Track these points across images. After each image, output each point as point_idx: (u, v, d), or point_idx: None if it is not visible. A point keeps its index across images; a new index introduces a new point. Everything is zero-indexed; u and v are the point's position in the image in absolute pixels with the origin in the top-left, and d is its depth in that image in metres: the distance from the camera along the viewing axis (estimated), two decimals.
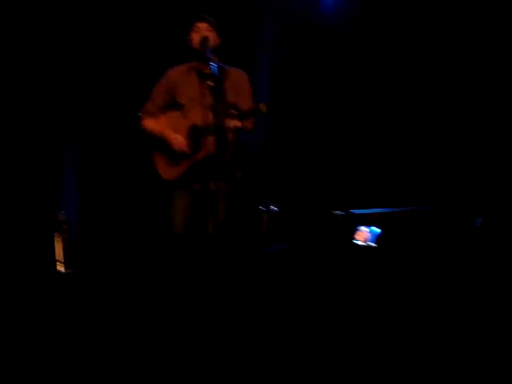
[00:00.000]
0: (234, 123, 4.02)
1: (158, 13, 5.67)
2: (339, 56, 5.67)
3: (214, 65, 3.95)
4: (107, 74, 5.65)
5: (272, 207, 5.03)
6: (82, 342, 3.60)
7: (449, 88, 5.33)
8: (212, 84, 3.94)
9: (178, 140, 4.15)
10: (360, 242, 4.56)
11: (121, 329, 3.78)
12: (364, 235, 4.58)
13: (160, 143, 4.23)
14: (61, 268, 4.54)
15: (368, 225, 4.55)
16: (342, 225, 4.55)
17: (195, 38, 4.20)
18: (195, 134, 4.13)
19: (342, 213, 4.69)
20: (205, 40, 4.10)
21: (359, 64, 5.62)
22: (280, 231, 5.00)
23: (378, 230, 4.49)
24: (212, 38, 4.17)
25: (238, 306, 3.76)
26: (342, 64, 5.67)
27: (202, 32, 4.19)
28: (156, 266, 4.16)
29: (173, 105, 4.30)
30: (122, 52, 5.67)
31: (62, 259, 4.58)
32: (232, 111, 4.04)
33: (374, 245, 4.49)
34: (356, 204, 4.93)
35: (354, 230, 4.62)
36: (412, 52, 5.47)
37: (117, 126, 5.56)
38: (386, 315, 3.91)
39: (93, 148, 5.64)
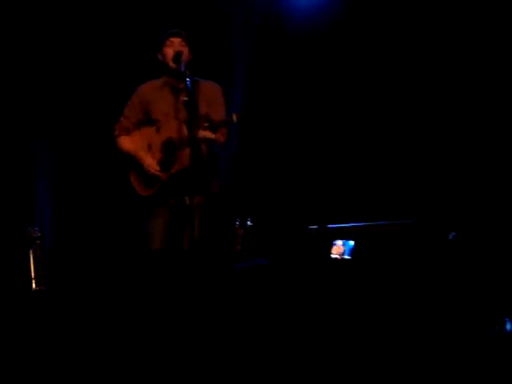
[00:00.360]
0: (206, 133, 4.01)
1: (130, 27, 5.65)
2: (314, 66, 5.67)
3: (188, 79, 3.95)
4: (81, 88, 5.62)
5: (247, 222, 5.02)
6: (53, 360, 3.56)
7: (433, 100, 5.32)
8: (186, 98, 3.95)
9: (150, 164, 4.14)
10: (335, 256, 4.57)
11: (93, 345, 3.74)
12: (339, 249, 4.59)
13: (135, 161, 4.22)
14: (33, 285, 4.49)
15: (344, 239, 4.56)
16: (317, 239, 4.55)
17: (168, 52, 4.21)
18: (170, 148, 4.13)
19: (317, 227, 4.68)
20: (179, 55, 4.10)
21: (335, 73, 5.62)
22: (255, 246, 5.00)
23: (352, 243, 4.50)
24: (185, 52, 4.18)
25: (215, 323, 3.75)
26: (317, 74, 5.67)
27: (176, 47, 4.20)
28: (132, 282, 4.13)
29: (147, 121, 4.29)
30: (96, 65, 5.64)
31: (34, 276, 4.52)
32: (205, 123, 4.05)
33: (348, 257, 4.50)
34: (332, 218, 4.92)
35: (330, 245, 4.62)
36: (394, 59, 5.48)
37: (92, 139, 5.53)
38: (362, 327, 3.92)
39: (67, 162, 5.60)
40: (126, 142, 4.28)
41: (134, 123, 4.29)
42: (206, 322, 3.57)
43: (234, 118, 4.03)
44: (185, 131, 3.95)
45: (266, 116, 4.17)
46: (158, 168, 4.12)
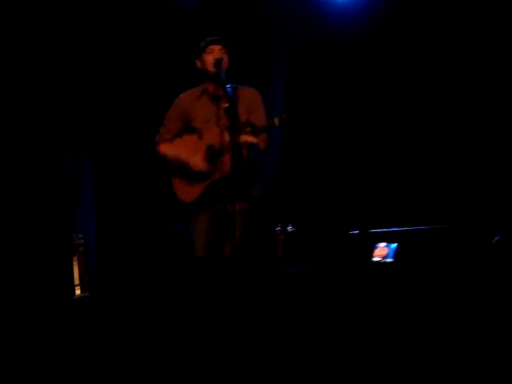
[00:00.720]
0: (248, 138, 4.04)
1: (169, 36, 5.67)
2: (356, 68, 5.64)
3: (228, 86, 3.98)
4: (122, 99, 5.66)
5: (288, 227, 5.00)
6: (96, 368, 3.58)
7: (470, 102, 5.27)
8: (227, 105, 3.97)
9: (196, 161, 4.17)
10: (377, 259, 4.52)
11: (136, 353, 3.76)
12: (382, 251, 4.54)
13: (177, 167, 4.26)
14: (78, 292, 4.54)
15: (385, 242, 4.51)
16: (358, 245, 4.52)
17: (208, 59, 4.24)
18: (212, 154, 4.16)
19: (358, 232, 4.65)
20: (219, 62, 4.13)
21: (374, 78, 5.59)
22: (296, 252, 4.98)
23: (395, 245, 4.45)
24: (225, 59, 4.21)
25: (257, 330, 3.74)
26: (359, 76, 5.64)
27: (216, 54, 4.23)
28: (175, 289, 4.15)
29: (187, 129, 4.33)
30: (137, 75, 5.69)
31: (79, 283, 4.58)
32: (247, 128, 4.07)
33: (391, 260, 4.45)
34: (373, 223, 4.89)
35: (372, 249, 4.58)
36: (426, 66, 5.44)
37: (133, 147, 5.58)
38: (407, 331, 3.87)
39: (110, 170, 5.65)
40: (169, 149, 4.34)
41: (175, 133, 4.35)
42: (249, 329, 3.57)
43: (276, 121, 4.04)
44: (226, 137, 3.98)
45: (307, 119, 4.15)
46: (206, 164, 4.14)
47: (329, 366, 3.38)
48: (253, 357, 3.34)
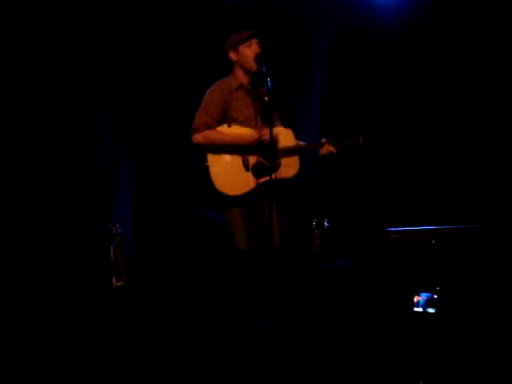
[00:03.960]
0: (331, 149, 4.09)
1: (205, 30, 5.66)
2: (394, 68, 5.60)
3: (268, 79, 3.97)
4: (157, 93, 5.67)
5: (324, 222, 4.98)
6: (131, 358, 3.60)
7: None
8: (267, 98, 3.97)
9: (256, 135, 4.13)
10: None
11: (172, 345, 3.77)
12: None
13: (223, 154, 4.18)
14: (114, 280, 4.57)
15: (423, 243, 4.46)
16: (396, 242, 4.48)
17: (248, 53, 4.22)
18: (270, 153, 4.02)
19: (395, 229, 4.61)
20: (261, 55, 4.12)
21: (416, 75, 5.54)
22: (332, 247, 4.96)
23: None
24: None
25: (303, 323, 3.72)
26: (397, 76, 5.60)
27: (255, 48, 4.21)
28: (215, 281, 4.15)
29: (226, 118, 4.29)
30: (174, 63, 5.69)
31: (114, 272, 4.61)
32: (323, 139, 4.11)
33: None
34: (410, 220, 4.85)
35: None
36: (475, 68, 5.38)
37: (170, 138, 5.58)
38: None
39: (147, 159, 5.67)
40: (219, 135, 4.24)
41: (217, 120, 4.27)
42: (295, 322, 3.56)
43: (361, 140, 4.07)
44: (292, 140, 3.97)
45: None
46: (266, 134, 4.08)
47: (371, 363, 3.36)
48: (295, 352, 3.33)
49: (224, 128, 4.24)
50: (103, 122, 5.50)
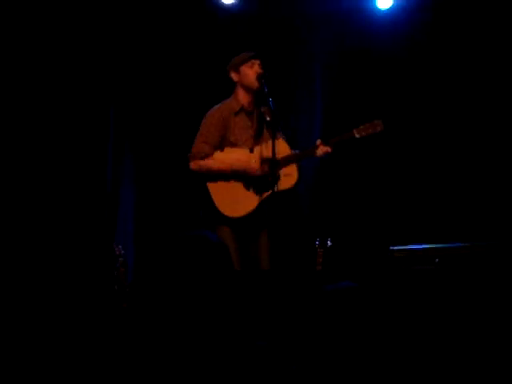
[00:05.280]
0: (327, 149, 4.07)
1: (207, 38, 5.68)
2: (395, 78, 5.62)
3: (270, 99, 3.99)
4: (161, 111, 5.67)
5: (327, 241, 4.97)
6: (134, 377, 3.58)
7: None
8: (269, 118, 3.99)
9: (255, 167, 4.14)
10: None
11: (171, 368, 3.74)
12: None
13: (224, 180, 4.20)
14: (117, 302, 4.56)
15: (426, 261, 4.45)
16: (399, 261, 4.47)
17: (250, 73, 4.26)
18: (271, 165, 4.06)
19: (399, 248, 4.60)
20: (263, 75, 4.14)
21: (420, 79, 5.56)
22: (335, 266, 4.94)
23: None
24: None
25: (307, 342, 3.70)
26: (399, 88, 5.62)
27: (256, 68, 4.25)
28: (215, 301, 4.14)
29: (224, 143, 4.30)
30: (174, 80, 5.70)
31: (118, 293, 4.59)
32: (318, 140, 4.12)
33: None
34: (413, 238, 4.85)
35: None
36: (478, 80, 5.40)
37: (173, 158, 5.58)
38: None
39: (149, 181, 5.66)
40: (214, 162, 4.26)
41: (215, 146, 4.29)
42: (299, 342, 3.55)
43: (356, 133, 4.07)
44: (287, 149, 3.98)
45: (384, 128, 4.16)
46: (265, 168, 4.11)
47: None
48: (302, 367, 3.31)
49: (218, 154, 4.26)
50: (108, 140, 5.50)
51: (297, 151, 4.30)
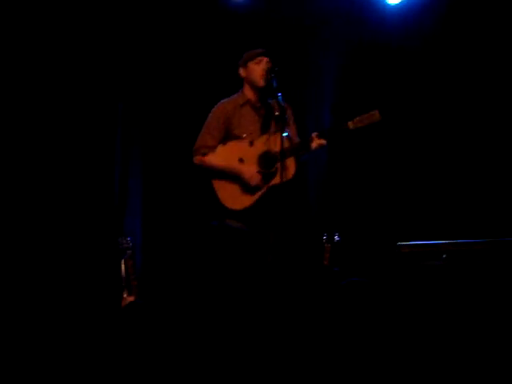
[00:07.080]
0: (321, 142, 4.08)
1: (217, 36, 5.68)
2: (407, 77, 5.61)
3: (279, 94, 4.00)
4: (170, 103, 5.69)
5: (334, 236, 4.98)
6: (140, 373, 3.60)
7: None
8: (278, 113, 3.99)
9: (250, 171, 4.16)
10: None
11: (181, 360, 3.76)
12: None
13: (225, 176, 4.23)
14: (125, 295, 4.58)
15: (433, 257, 4.46)
16: (406, 257, 4.47)
17: (257, 69, 4.27)
18: (269, 161, 4.13)
19: (406, 243, 4.60)
20: (272, 70, 4.15)
21: (427, 86, 5.55)
22: (342, 261, 4.96)
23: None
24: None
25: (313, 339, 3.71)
26: (408, 85, 5.61)
27: (264, 65, 4.26)
28: (223, 293, 4.16)
29: (228, 136, 4.32)
30: (184, 73, 5.71)
31: (125, 286, 4.61)
32: (314, 133, 4.11)
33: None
34: (421, 234, 4.84)
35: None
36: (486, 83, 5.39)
37: (181, 151, 5.58)
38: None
39: (157, 174, 5.68)
40: (215, 158, 4.28)
41: (219, 140, 4.31)
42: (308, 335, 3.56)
43: (350, 125, 4.06)
44: (286, 143, 3.99)
45: (380, 119, 4.14)
46: (260, 176, 4.15)
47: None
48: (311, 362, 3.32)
49: (219, 149, 4.29)
50: (116, 134, 5.52)
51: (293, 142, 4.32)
